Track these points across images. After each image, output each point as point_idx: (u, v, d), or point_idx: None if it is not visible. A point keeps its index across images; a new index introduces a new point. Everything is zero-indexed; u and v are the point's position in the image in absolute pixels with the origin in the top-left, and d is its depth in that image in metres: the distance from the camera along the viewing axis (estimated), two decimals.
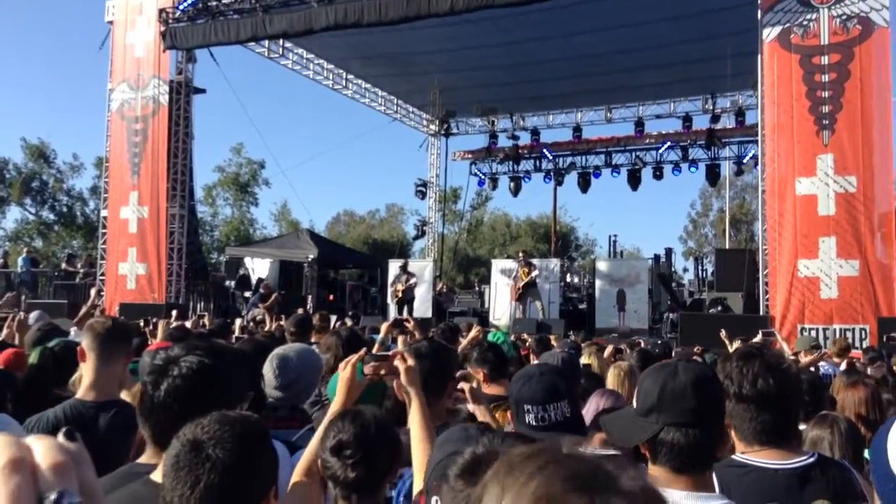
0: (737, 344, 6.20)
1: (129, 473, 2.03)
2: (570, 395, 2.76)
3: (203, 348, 2.14)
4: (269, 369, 3.17)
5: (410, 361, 2.69)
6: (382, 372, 2.67)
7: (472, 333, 3.62)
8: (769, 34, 12.99)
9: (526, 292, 18.13)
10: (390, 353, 2.77)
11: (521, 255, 19.47)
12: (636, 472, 0.87)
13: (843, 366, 7.13)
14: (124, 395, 2.86)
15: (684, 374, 1.98)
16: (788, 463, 2.20)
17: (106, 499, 2.08)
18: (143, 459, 2.09)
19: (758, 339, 6.76)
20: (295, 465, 2.38)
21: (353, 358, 2.68)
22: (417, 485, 2.35)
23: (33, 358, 3.44)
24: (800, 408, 2.36)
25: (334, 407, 2.59)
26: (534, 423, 2.63)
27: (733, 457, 2.25)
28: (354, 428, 2.21)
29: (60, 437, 0.55)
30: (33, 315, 8.42)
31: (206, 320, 9.89)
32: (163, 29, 17.32)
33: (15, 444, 0.53)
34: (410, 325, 6.80)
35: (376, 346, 5.94)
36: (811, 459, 2.22)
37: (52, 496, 0.52)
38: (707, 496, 1.88)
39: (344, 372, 2.63)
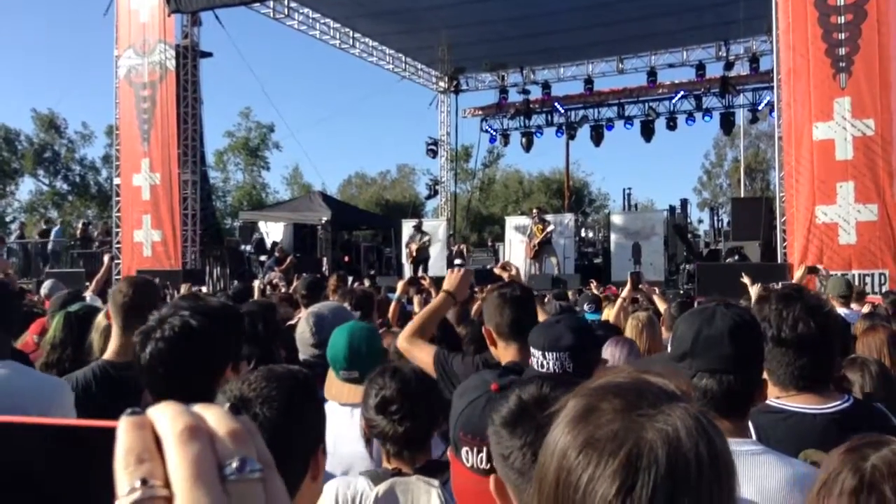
0: (757, 288, 6.13)
1: None
2: (574, 349, 2.47)
3: (189, 308, 2.05)
4: (305, 328, 3.17)
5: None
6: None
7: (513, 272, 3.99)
8: None
9: (542, 249, 18.04)
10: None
11: (534, 211, 19.26)
12: (698, 407, 0.83)
13: (865, 310, 7.06)
14: None
15: (721, 320, 1.93)
16: (826, 407, 2.16)
17: None
18: None
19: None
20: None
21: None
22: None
23: (56, 322, 3.45)
24: (838, 352, 2.30)
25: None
26: (535, 368, 2.48)
27: (769, 402, 2.20)
28: (396, 383, 2.20)
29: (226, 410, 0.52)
30: (46, 284, 8.45)
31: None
32: None
33: (188, 412, 0.51)
34: (426, 283, 6.82)
35: (393, 305, 6.05)
36: (847, 403, 2.19)
37: (234, 463, 0.49)
38: (741, 441, 1.84)
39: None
